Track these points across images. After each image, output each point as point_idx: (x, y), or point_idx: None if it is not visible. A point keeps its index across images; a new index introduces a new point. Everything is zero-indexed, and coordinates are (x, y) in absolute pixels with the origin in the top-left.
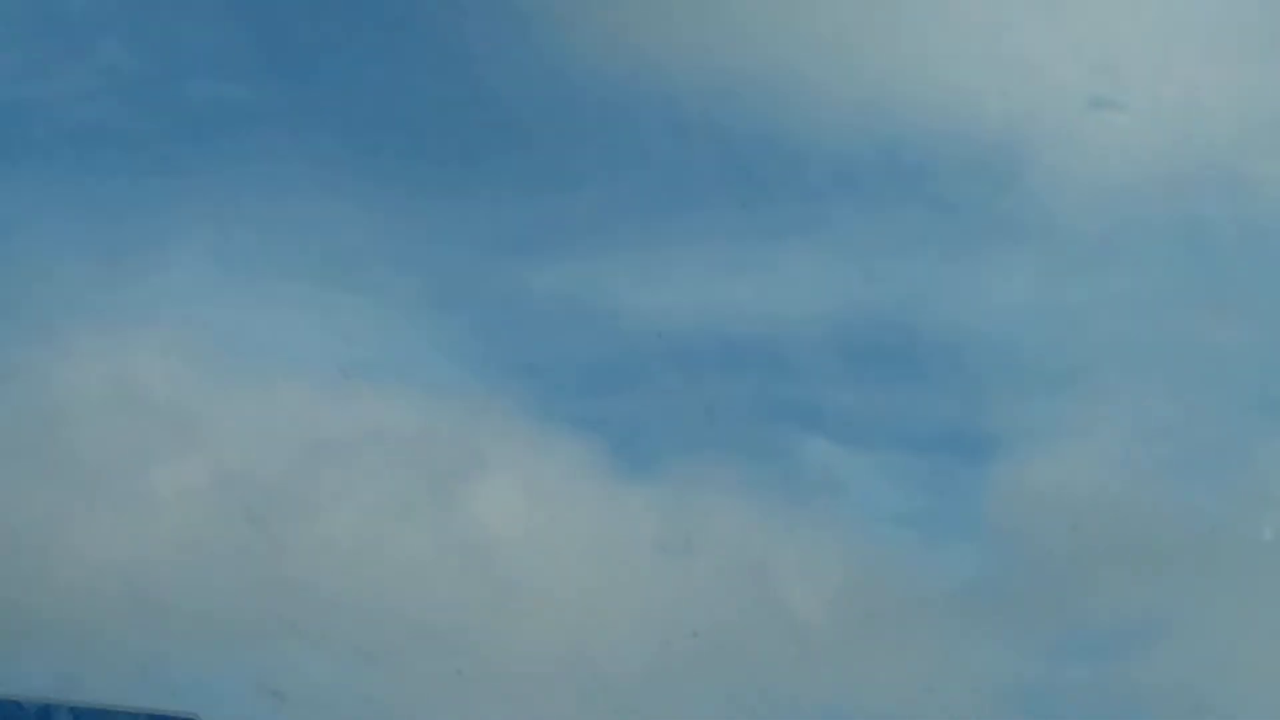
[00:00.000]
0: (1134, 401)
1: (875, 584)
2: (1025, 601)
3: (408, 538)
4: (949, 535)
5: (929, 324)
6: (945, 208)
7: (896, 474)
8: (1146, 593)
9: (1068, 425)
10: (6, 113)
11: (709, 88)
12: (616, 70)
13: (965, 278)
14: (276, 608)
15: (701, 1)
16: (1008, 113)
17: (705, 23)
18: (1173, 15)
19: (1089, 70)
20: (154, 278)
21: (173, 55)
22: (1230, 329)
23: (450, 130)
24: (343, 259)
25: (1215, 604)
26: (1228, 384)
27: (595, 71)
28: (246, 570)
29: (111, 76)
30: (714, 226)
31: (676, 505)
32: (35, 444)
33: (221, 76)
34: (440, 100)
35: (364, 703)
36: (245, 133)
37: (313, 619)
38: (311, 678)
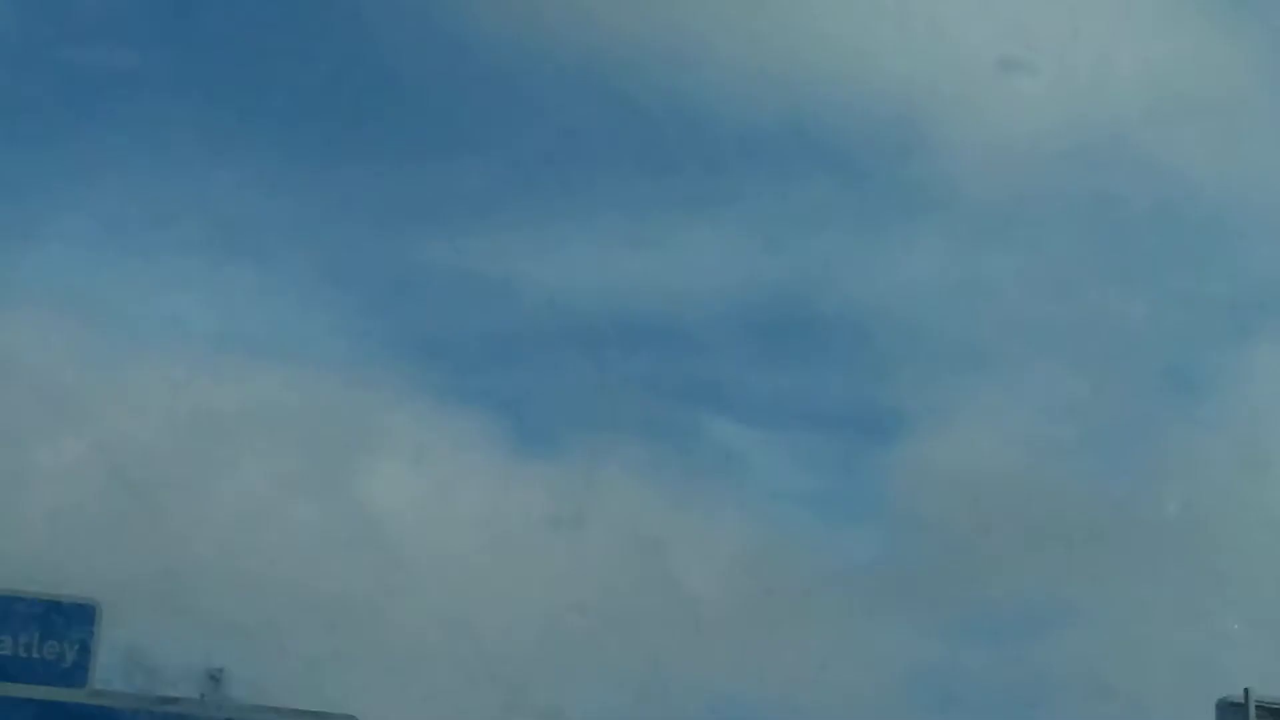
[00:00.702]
0: (1040, 379)
1: (774, 563)
2: (927, 582)
3: (294, 514)
4: (851, 515)
5: (834, 300)
6: (851, 178)
7: (799, 453)
8: (1051, 574)
9: (973, 404)
10: None
11: (609, 54)
12: (513, 36)
13: (871, 252)
14: (153, 583)
15: None
16: (914, 77)
17: None
18: None
19: (999, 33)
20: (33, 250)
21: (55, 20)
22: (1136, 305)
23: (341, 99)
24: (230, 230)
25: (1120, 585)
26: (1134, 361)
27: (491, 37)
28: (122, 545)
29: None
30: (614, 198)
31: (572, 482)
32: None
33: (105, 42)
34: (330, 68)
35: (240, 681)
36: (129, 100)
37: (191, 595)
38: (187, 655)
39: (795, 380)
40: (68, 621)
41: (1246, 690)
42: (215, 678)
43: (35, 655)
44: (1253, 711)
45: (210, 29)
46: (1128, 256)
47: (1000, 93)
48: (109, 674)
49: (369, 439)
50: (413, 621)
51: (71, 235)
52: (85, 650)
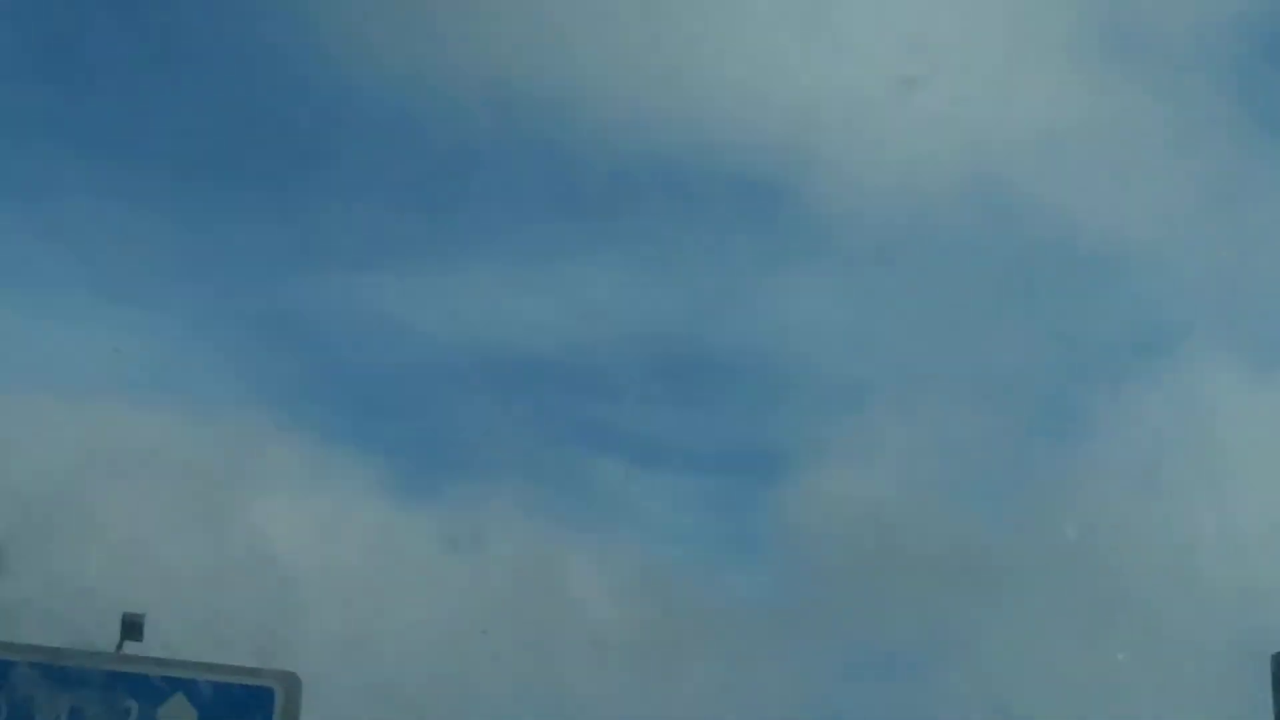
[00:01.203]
0: (921, 419)
1: (665, 601)
2: (817, 619)
3: (178, 557)
4: (739, 554)
5: (724, 343)
6: (744, 215)
7: (689, 492)
8: (938, 608)
9: (861, 441)
10: None
11: (500, 95)
12: (404, 76)
13: (760, 291)
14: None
15: (492, 6)
16: (809, 108)
17: (498, 27)
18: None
19: (895, 57)
20: None
21: None
22: (1019, 343)
23: (232, 141)
24: (118, 271)
25: (1006, 618)
26: (1016, 399)
27: (381, 77)
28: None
29: None
30: (505, 238)
31: (461, 527)
32: None
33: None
34: (217, 106)
35: None
36: (17, 136)
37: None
38: None
39: (685, 420)
40: None
41: None
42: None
43: None
44: None
45: (89, 66)
46: (1012, 294)
47: (894, 120)
48: None
49: (253, 484)
50: (304, 655)
51: None
52: None
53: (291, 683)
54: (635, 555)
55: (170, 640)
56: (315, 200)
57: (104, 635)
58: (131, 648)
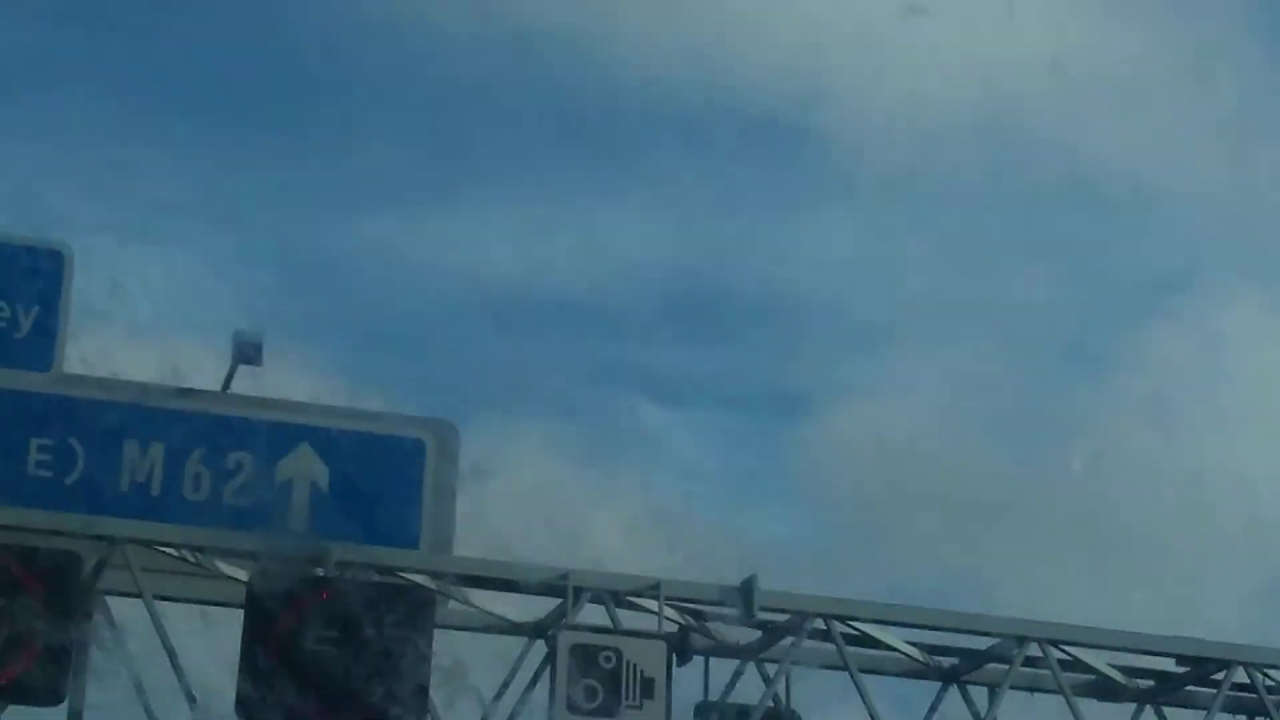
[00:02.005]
0: (948, 357)
1: (688, 540)
2: (839, 560)
3: None
4: (766, 493)
5: (749, 281)
6: (762, 154)
7: (714, 433)
8: (961, 545)
9: (883, 382)
10: None
11: (519, 32)
12: (421, 16)
13: (781, 230)
14: None
15: None
16: (820, 39)
17: None
18: None
19: None
20: None
21: None
22: (1037, 282)
23: (257, 84)
24: (149, 212)
25: (1028, 553)
26: (1034, 338)
27: (398, 17)
28: None
29: None
30: (528, 181)
31: (485, 466)
32: None
33: (24, 23)
34: (234, 51)
35: None
36: (40, 81)
37: None
38: None
39: (712, 361)
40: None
41: None
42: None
43: None
44: None
45: (112, 13)
46: (1029, 230)
47: (901, 52)
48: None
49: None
50: None
51: None
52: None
53: (446, 432)
54: (658, 492)
55: None
56: (328, 143)
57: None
58: (242, 385)
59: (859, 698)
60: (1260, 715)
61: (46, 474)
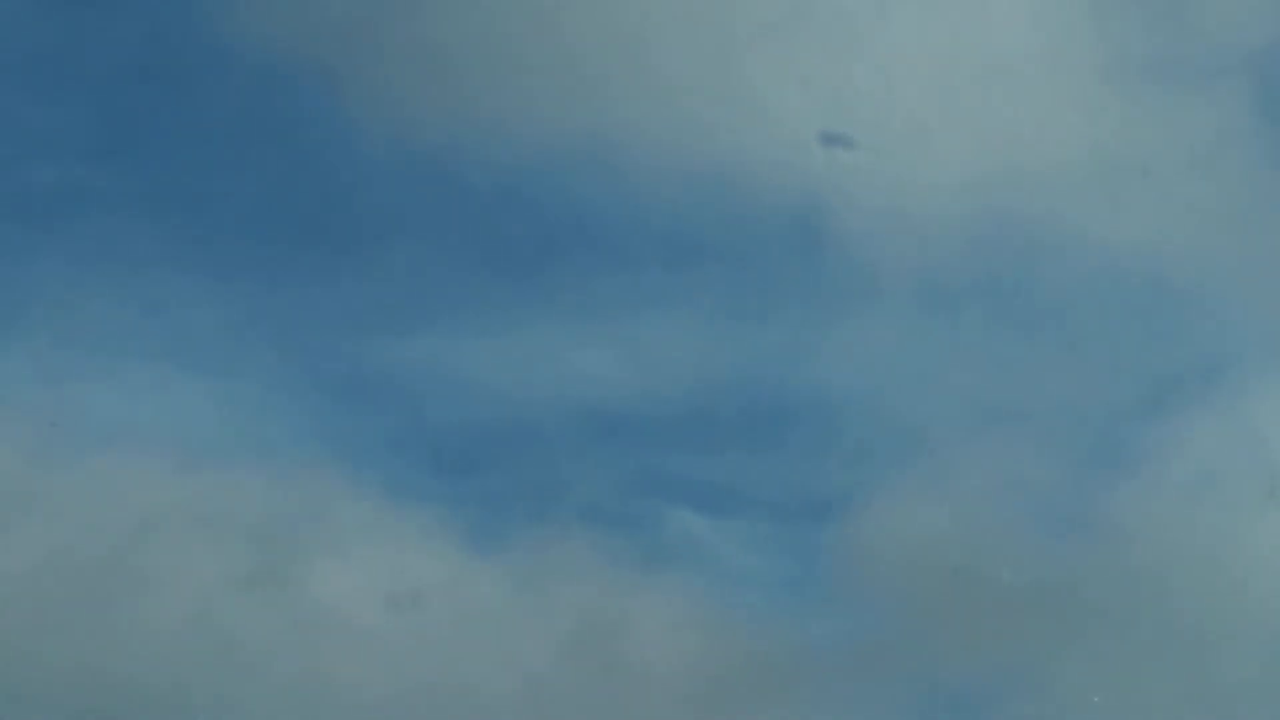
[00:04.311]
0: (979, 457)
1: (732, 648)
2: (884, 660)
3: (250, 619)
4: (808, 598)
5: (780, 389)
6: (786, 267)
7: (752, 540)
8: (1006, 643)
9: (917, 483)
10: None
11: (547, 154)
12: (454, 143)
13: (808, 338)
14: (105, 696)
15: (534, 68)
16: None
17: (545, 84)
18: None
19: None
20: None
21: (9, 139)
22: (1067, 379)
23: (294, 212)
24: (189, 339)
25: (1073, 649)
26: (1066, 435)
27: (433, 145)
28: (76, 655)
29: None
30: (563, 296)
31: (530, 576)
32: None
33: (61, 159)
34: (280, 180)
35: None
36: (88, 215)
37: (142, 708)
38: None
39: (749, 466)
40: None
41: None
42: None
43: None
44: None
45: (163, 146)
46: (1056, 327)
47: (924, 151)
48: None
49: (325, 542)
50: (375, 714)
51: (24, 352)
52: None
53: None
54: (704, 601)
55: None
56: (380, 267)
57: None
58: None
59: None
60: None
61: None
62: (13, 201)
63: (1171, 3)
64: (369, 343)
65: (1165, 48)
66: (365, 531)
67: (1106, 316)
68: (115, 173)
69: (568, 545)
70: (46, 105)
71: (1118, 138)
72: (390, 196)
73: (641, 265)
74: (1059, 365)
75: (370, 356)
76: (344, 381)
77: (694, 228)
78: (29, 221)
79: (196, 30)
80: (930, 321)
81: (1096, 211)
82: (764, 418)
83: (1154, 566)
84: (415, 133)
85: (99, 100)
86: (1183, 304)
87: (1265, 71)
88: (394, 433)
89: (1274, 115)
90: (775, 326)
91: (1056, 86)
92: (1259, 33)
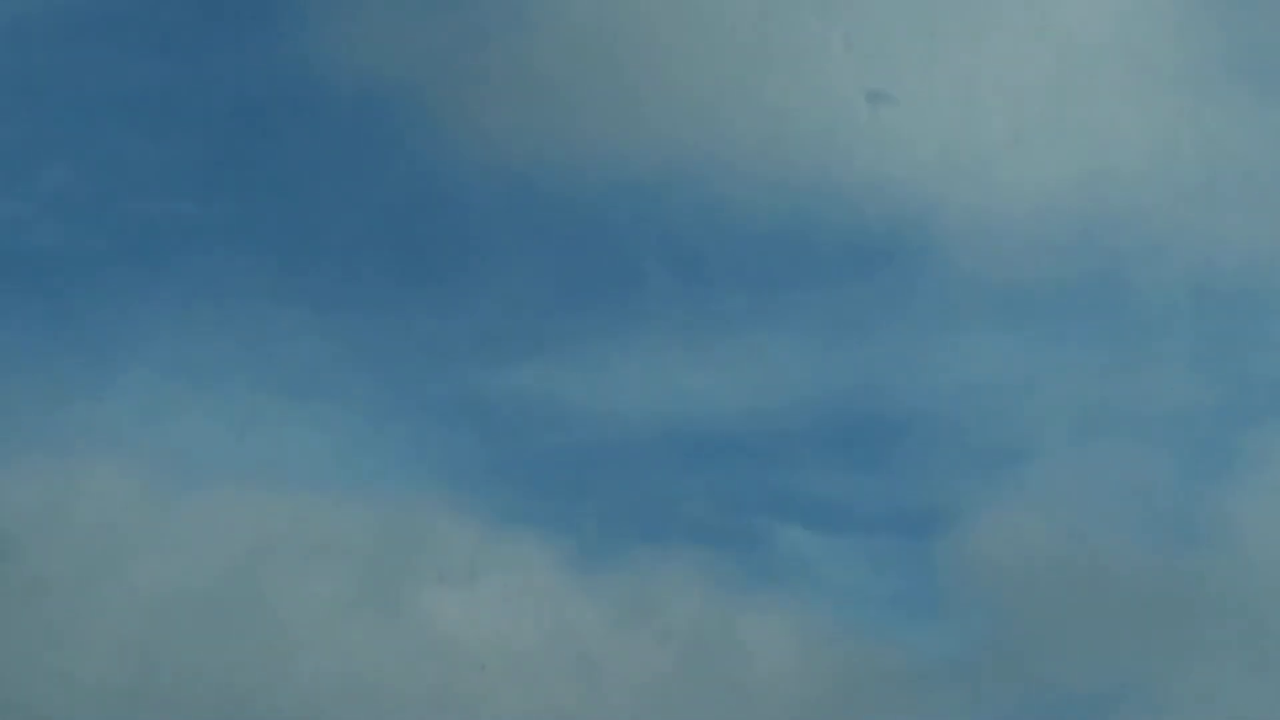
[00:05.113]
0: (1088, 465)
1: (846, 662)
2: (995, 673)
3: (360, 647)
4: (916, 612)
5: (883, 404)
6: (883, 281)
7: (860, 555)
8: (1115, 656)
9: (1027, 492)
10: None
11: (640, 175)
12: (548, 168)
13: (915, 352)
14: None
15: (632, 87)
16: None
17: (633, 105)
18: None
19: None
20: (105, 399)
21: (116, 176)
22: (1175, 386)
23: (393, 241)
24: (293, 370)
25: (1184, 662)
26: (1178, 441)
27: (527, 171)
28: (197, 688)
29: (55, 201)
30: (662, 318)
31: (639, 597)
32: None
33: (166, 195)
34: (381, 213)
35: None
36: (191, 249)
37: None
38: None
39: (859, 481)
40: None
41: None
42: None
43: None
44: None
45: (264, 179)
46: (1161, 334)
47: (1017, 161)
48: None
49: (436, 569)
50: None
51: (135, 386)
52: None
53: None
54: (813, 617)
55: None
56: (478, 292)
57: None
58: None
59: None
60: None
61: None
62: (118, 238)
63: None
64: (472, 369)
65: (1251, 42)
66: (473, 557)
67: (1207, 319)
68: (217, 207)
69: (675, 565)
70: (149, 142)
71: (1208, 138)
72: (486, 224)
73: (738, 284)
74: (1161, 370)
75: (473, 383)
76: (448, 409)
77: (787, 244)
78: (134, 257)
79: (292, 64)
80: (1025, 329)
81: (1191, 213)
82: (868, 433)
83: (1269, 570)
84: (510, 159)
85: (200, 136)
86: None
87: None
88: (499, 458)
89: None
90: (875, 340)
91: (1143, 86)
92: None
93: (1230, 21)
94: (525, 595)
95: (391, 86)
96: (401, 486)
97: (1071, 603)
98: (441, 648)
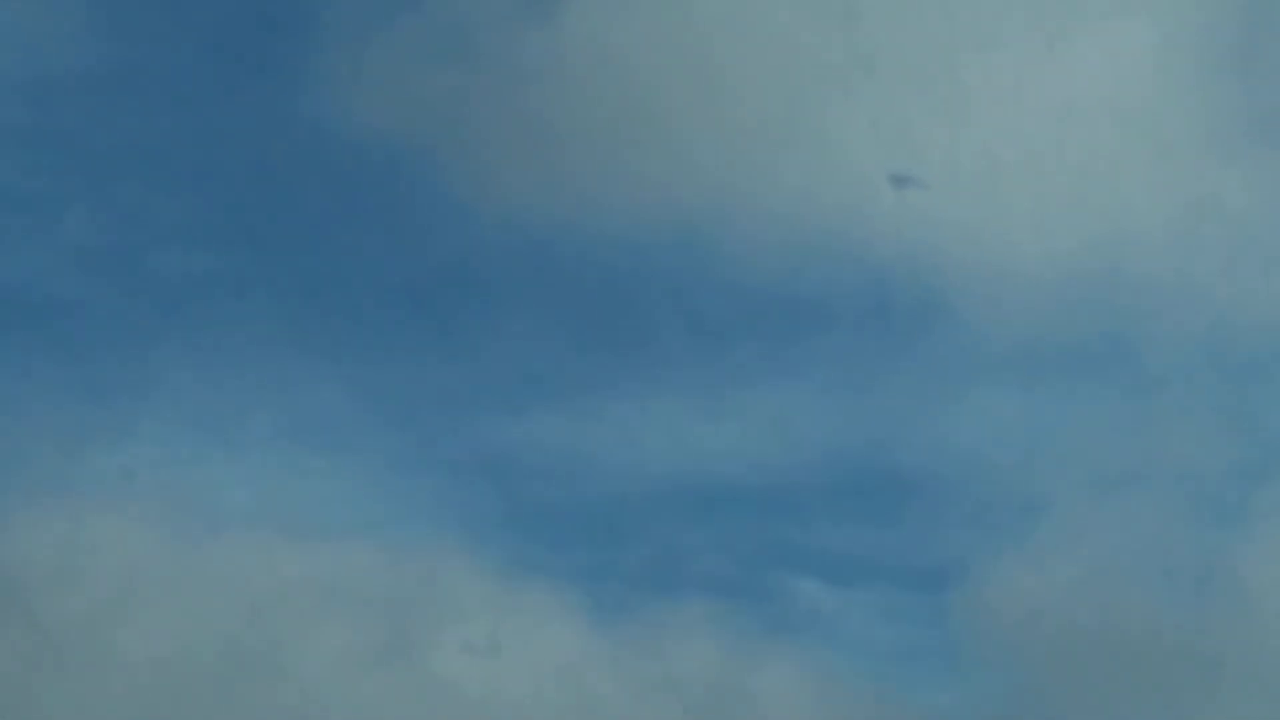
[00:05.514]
0: (1100, 524)
1: (860, 716)
2: None
3: (373, 692)
4: (931, 665)
5: (897, 458)
6: (896, 335)
7: (875, 608)
8: (1129, 708)
9: (1040, 551)
10: None
11: (650, 230)
12: (559, 222)
13: (928, 407)
14: None
15: (646, 146)
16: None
17: (657, 174)
18: None
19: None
20: (123, 447)
21: (136, 228)
22: (1187, 441)
23: (406, 293)
24: (309, 420)
25: (1197, 714)
26: (1187, 497)
27: (539, 225)
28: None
29: (76, 252)
30: (675, 372)
31: (652, 648)
32: None
33: (187, 246)
34: (395, 265)
35: None
36: (209, 300)
37: None
38: None
39: (871, 536)
40: None
41: None
42: None
43: None
44: None
45: (280, 232)
46: (1169, 389)
47: (1029, 219)
48: None
49: (450, 620)
50: None
51: (154, 436)
52: None
53: None
54: (828, 669)
55: None
56: (496, 346)
57: None
58: None
59: None
60: None
61: None
62: (137, 289)
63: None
64: (486, 420)
65: (1270, 105)
66: (486, 606)
67: (1220, 377)
68: (237, 259)
69: (690, 617)
70: (168, 196)
71: (1226, 201)
72: (506, 279)
73: (749, 338)
74: (1174, 427)
75: (488, 434)
76: (462, 459)
77: (798, 298)
78: (154, 308)
79: (308, 121)
80: (1043, 385)
81: (1206, 275)
82: (883, 488)
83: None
84: (531, 217)
85: (221, 191)
86: None
87: None
88: (516, 510)
89: None
90: (888, 395)
91: (1164, 151)
92: None
93: (1251, 85)
94: (541, 647)
95: (412, 143)
96: (419, 537)
97: (1085, 656)
98: (457, 698)
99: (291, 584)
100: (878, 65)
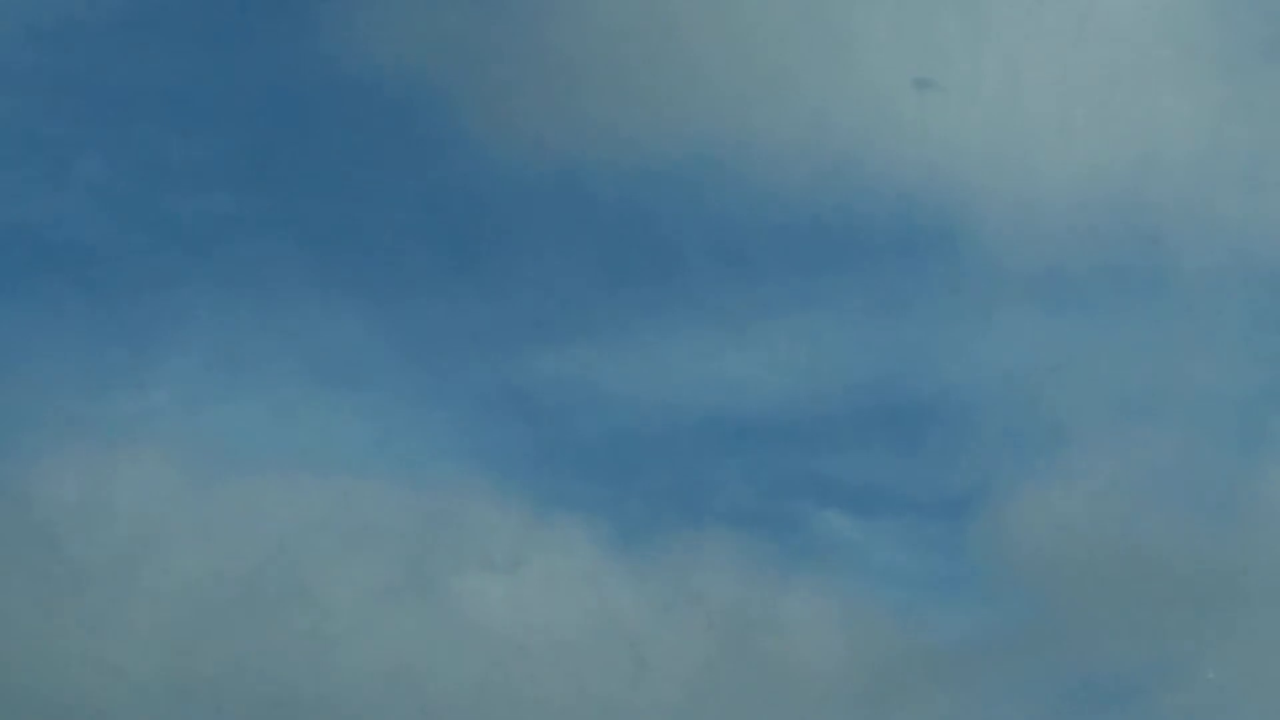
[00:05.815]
0: (1124, 448)
1: (886, 643)
2: (1032, 653)
3: (400, 630)
4: (953, 593)
5: (919, 388)
6: (919, 265)
7: (897, 537)
8: (1151, 636)
9: (1064, 476)
10: None
11: (671, 162)
12: (580, 157)
13: (950, 336)
14: (260, 706)
15: (664, 74)
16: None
17: (663, 92)
18: None
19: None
20: (146, 388)
21: (154, 170)
22: (1210, 368)
23: (431, 231)
24: (334, 358)
25: (1219, 642)
26: (1213, 424)
27: (560, 160)
28: (239, 674)
29: (95, 195)
30: (699, 305)
31: (679, 580)
32: (22, 558)
33: (205, 188)
34: (417, 203)
35: None
36: (231, 242)
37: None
38: None
39: (895, 465)
40: None
41: None
42: None
43: None
44: None
45: (301, 173)
46: (1195, 316)
47: (1051, 146)
48: None
49: (475, 553)
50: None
51: (177, 375)
52: None
53: None
54: (851, 599)
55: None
56: (520, 279)
57: None
58: None
59: None
60: None
61: None
62: (159, 231)
63: None
64: (512, 357)
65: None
66: (516, 542)
67: (1240, 302)
68: (257, 200)
69: (717, 549)
70: (188, 138)
71: (1250, 123)
72: (529, 213)
73: (773, 269)
74: (1195, 353)
75: (514, 370)
76: (489, 395)
77: (829, 231)
78: (174, 249)
79: (333, 60)
80: (1064, 313)
81: (1225, 197)
82: (908, 416)
83: None
84: (553, 150)
85: (238, 133)
86: None
87: None
88: (542, 444)
89: None
90: (911, 324)
91: (1185, 73)
92: None
93: (1268, 6)
94: (568, 580)
95: (433, 80)
96: (445, 472)
97: (1109, 583)
98: (484, 632)
99: (317, 521)
100: None
